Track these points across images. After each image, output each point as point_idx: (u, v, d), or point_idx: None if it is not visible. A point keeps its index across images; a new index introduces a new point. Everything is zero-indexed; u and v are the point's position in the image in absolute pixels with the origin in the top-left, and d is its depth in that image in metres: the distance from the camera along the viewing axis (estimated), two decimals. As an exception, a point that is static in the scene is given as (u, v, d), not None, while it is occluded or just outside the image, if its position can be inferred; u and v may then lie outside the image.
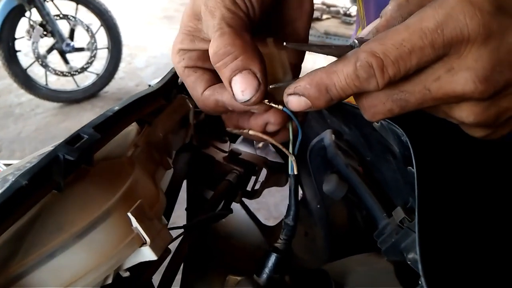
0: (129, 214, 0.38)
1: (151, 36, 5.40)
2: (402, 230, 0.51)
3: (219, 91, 0.43)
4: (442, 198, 0.39)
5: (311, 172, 0.68)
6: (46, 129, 3.58)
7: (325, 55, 0.36)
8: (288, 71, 0.43)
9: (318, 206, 0.74)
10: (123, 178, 0.42)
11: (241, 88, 0.38)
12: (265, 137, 0.43)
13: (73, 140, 0.38)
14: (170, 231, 0.57)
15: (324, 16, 5.02)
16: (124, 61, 4.27)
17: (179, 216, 0.71)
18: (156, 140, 0.52)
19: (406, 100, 0.34)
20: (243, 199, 0.73)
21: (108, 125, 0.41)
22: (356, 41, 0.35)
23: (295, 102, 0.36)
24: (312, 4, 0.49)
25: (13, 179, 0.36)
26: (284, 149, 0.42)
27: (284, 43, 0.38)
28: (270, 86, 0.40)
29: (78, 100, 3.91)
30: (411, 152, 0.40)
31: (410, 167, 0.43)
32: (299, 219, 0.77)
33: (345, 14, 5.15)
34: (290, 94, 0.36)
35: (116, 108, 0.43)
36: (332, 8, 5.13)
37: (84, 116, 3.75)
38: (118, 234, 0.39)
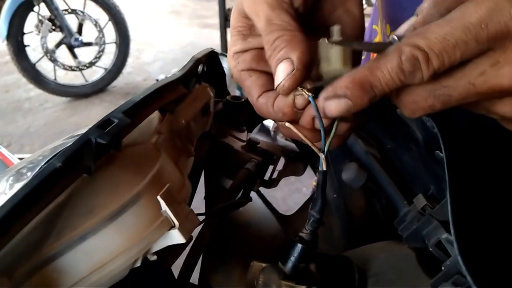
0: (158, 197, 0.39)
1: (159, 31, 5.41)
2: (423, 217, 0.51)
3: (271, 100, 0.42)
4: (472, 182, 0.39)
5: (330, 162, 0.68)
6: (54, 123, 3.60)
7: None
8: (348, 62, 0.39)
9: (335, 195, 0.74)
10: (151, 163, 0.43)
11: (278, 75, 0.39)
12: (294, 129, 0.42)
13: (104, 124, 0.38)
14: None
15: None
16: (132, 56, 4.28)
17: (193, 206, 0.72)
18: (178, 128, 0.53)
19: (449, 95, 0.33)
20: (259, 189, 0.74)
21: (136, 110, 0.42)
22: (396, 37, 0.35)
23: (334, 106, 0.35)
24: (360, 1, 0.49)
25: (45, 164, 0.36)
26: (313, 147, 0.42)
27: (326, 40, 0.38)
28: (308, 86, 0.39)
29: (86, 95, 3.93)
30: (439, 135, 0.40)
31: (438, 152, 0.43)
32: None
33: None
34: (328, 98, 0.35)
35: (144, 94, 0.44)
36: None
37: (92, 111, 3.77)
38: (148, 217, 0.39)
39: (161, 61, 4.67)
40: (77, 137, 0.38)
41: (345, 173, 0.63)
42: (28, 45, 3.61)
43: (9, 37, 3.47)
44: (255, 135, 0.74)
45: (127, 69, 4.17)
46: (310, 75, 0.39)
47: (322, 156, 0.42)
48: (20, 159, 2.77)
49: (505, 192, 0.40)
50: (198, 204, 0.71)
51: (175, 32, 5.41)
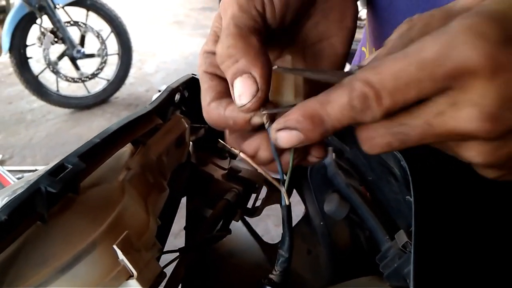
0: (114, 246, 0.37)
1: (161, 41, 5.42)
2: (405, 255, 0.49)
3: (224, 106, 0.39)
4: (440, 233, 0.37)
5: (312, 191, 0.67)
6: (57, 135, 3.60)
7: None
8: (300, 93, 0.39)
9: (321, 223, 0.72)
10: (111, 207, 0.41)
11: (239, 92, 0.36)
12: (252, 163, 0.41)
13: (57, 170, 0.37)
14: (166, 254, 0.56)
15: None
16: (134, 66, 4.29)
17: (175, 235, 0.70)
18: (149, 162, 0.51)
19: (406, 134, 0.31)
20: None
21: (94, 153, 0.40)
22: (357, 68, 0.32)
23: (285, 138, 0.33)
24: (355, 21, 0.47)
25: None
26: (271, 180, 0.40)
27: (274, 67, 0.36)
28: (266, 111, 0.37)
29: (88, 106, 3.94)
30: (410, 180, 0.38)
31: (408, 197, 0.41)
32: (303, 236, 0.76)
33: (356, 17, 5.10)
34: (280, 130, 0.33)
35: (105, 134, 0.42)
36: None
37: (94, 122, 3.78)
38: (104, 267, 0.38)
39: (163, 71, 4.68)
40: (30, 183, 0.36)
41: (327, 204, 0.61)
42: (30, 57, 3.63)
43: (11, 49, 3.49)
44: (238, 162, 0.73)
45: (129, 80, 4.18)
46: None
47: (282, 190, 0.40)
48: (21, 171, 2.78)
49: (476, 249, 0.38)
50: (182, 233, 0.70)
51: (178, 43, 5.42)
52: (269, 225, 2.50)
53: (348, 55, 0.47)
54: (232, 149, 0.43)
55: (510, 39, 0.27)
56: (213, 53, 0.42)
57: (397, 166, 0.46)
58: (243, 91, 0.36)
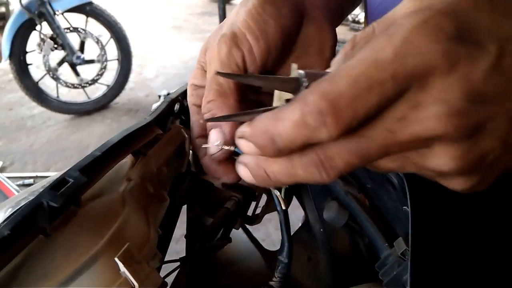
0: (116, 259, 0.38)
1: (161, 46, 5.44)
2: (404, 263, 0.50)
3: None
4: (437, 242, 0.38)
5: (311, 198, 0.67)
6: (57, 141, 3.62)
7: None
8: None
9: (321, 230, 0.72)
10: (112, 219, 0.41)
11: (212, 140, 0.44)
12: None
13: (58, 184, 0.37)
14: (167, 264, 0.56)
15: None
16: (134, 72, 4.31)
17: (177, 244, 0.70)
18: (150, 173, 0.52)
19: (366, 148, 0.28)
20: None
21: (95, 167, 0.41)
22: (303, 73, 0.30)
23: (244, 146, 0.31)
24: (333, 51, 0.48)
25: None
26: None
27: (216, 71, 0.41)
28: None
29: (89, 112, 3.96)
30: (407, 190, 0.39)
31: (405, 207, 0.41)
32: (303, 243, 0.77)
33: (354, 21, 5.13)
34: (239, 138, 0.31)
35: (106, 146, 0.43)
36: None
37: (95, 128, 3.79)
38: (106, 279, 0.38)
39: (163, 76, 4.69)
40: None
41: (326, 212, 0.62)
42: (30, 64, 3.65)
43: (11, 56, 3.51)
44: (238, 169, 0.73)
45: (129, 85, 4.19)
46: None
47: (277, 193, 0.41)
48: (22, 177, 2.77)
49: (472, 257, 0.38)
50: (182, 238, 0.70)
51: (177, 47, 5.44)
52: (270, 229, 2.50)
53: None
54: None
55: (465, 31, 0.26)
56: (200, 87, 0.48)
57: (394, 174, 0.47)
58: (214, 141, 0.44)
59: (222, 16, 3.88)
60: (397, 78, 0.26)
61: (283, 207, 0.40)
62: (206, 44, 0.48)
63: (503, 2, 0.27)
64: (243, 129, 0.31)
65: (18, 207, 0.42)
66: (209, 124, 0.43)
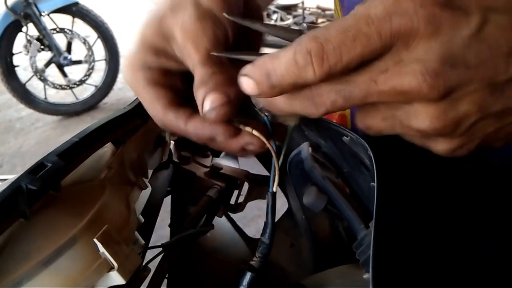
0: (95, 239, 0.39)
1: (149, 45, 5.42)
2: (379, 242, 0.51)
3: (183, 117, 0.41)
4: (401, 217, 0.40)
5: (292, 185, 0.68)
6: (46, 142, 3.60)
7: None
8: None
9: (304, 216, 0.74)
10: (92, 203, 0.43)
11: (211, 104, 0.38)
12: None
13: (36, 168, 0.38)
14: (151, 250, 0.58)
15: (320, 20, 5.03)
16: (122, 71, 4.29)
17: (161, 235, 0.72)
18: (130, 161, 0.53)
19: (350, 91, 0.31)
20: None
21: (73, 152, 0.42)
22: (305, 26, 0.34)
23: (245, 82, 0.33)
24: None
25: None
26: (273, 154, 0.41)
27: (225, 15, 0.39)
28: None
29: (77, 113, 3.94)
30: (374, 168, 0.40)
31: (373, 183, 0.43)
32: (286, 230, 0.78)
33: (341, 17, 5.13)
34: (242, 75, 0.33)
35: (84, 133, 0.44)
36: (327, 12, 5.14)
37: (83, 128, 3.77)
38: (85, 260, 0.39)
39: (152, 76, 4.68)
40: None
41: (305, 197, 0.63)
42: (17, 65, 3.62)
43: (-2, 58, 3.48)
44: (221, 160, 0.74)
45: (118, 85, 4.18)
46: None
47: (277, 172, 0.42)
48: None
49: (437, 234, 0.40)
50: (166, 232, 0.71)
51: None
52: (260, 225, 2.51)
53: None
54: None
55: (452, 0, 0.28)
56: (153, 67, 0.43)
57: (366, 156, 0.48)
58: (214, 101, 0.38)
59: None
60: (382, 34, 0.29)
61: (274, 190, 0.41)
62: (159, 24, 0.43)
63: None
64: (245, 67, 0.33)
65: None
66: (200, 93, 0.39)
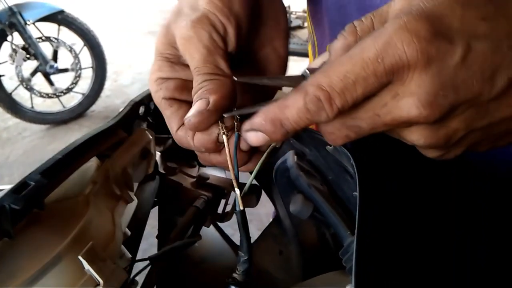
0: (79, 257, 0.39)
1: (136, 52, 5.41)
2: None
3: (190, 134, 0.43)
4: (383, 224, 0.40)
5: (278, 193, 0.69)
6: (33, 152, 3.57)
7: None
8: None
9: (291, 224, 0.74)
10: (76, 220, 0.43)
11: (191, 110, 0.40)
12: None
13: (20, 187, 0.38)
14: (138, 263, 0.58)
15: (306, 24, 5.04)
16: (109, 79, 4.27)
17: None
18: (115, 175, 0.53)
19: (359, 126, 0.35)
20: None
21: (57, 169, 0.42)
22: (308, 71, 0.36)
23: (253, 137, 0.37)
24: (286, 21, 0.51)
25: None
26: (235, 183, 0.42)
27: (235, 78, 0.40)
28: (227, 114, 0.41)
29: (65, 121, 3.91)
30: (356, 178, 0.41)
31: (355, 193, 0.43)
32: (274, 237, 0.78)
33: None
34: (248, 130, 0.38)
35: (68, 149, 0.44)
36: (314, 14, 5.14)
37: (71, 137, 3.75)
38: (70, 277, 0.39)
39: (139, 82, 4.66)
40: None
41: (292, 205, 0.64)
42: (3, 75, 3.59)
43: (-17, 68, 3.45)
44: (207, 170, 0.75)
45: (105, 92, 4.16)
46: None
47: (237, 192, 0.42)
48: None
49: (418, 241, 0.40)
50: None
51: (153, 53, 5.41)
52: (252, 230, 2.52)
53: (288, 56, 0.51)
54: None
55: (438, 33, 0.31)
56: (168, 79, 0.45)
57: (349, 164, 0.49)
58: (193, 108, 0.40)
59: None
60: (377, 74, 0.31)
61: (241, 208, 0.42)
62: (167, 35, 0.45)
63: (474, 6, 0.32)
64: (251, 122, 0.37)
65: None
66: (196, 93, 0.40)
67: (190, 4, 0.44)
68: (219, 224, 0.78)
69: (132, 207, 0.55)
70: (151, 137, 0.58)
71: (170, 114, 0.44)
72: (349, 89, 0.32)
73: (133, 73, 4.88)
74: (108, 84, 4.21)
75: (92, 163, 0.53)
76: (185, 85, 0.44)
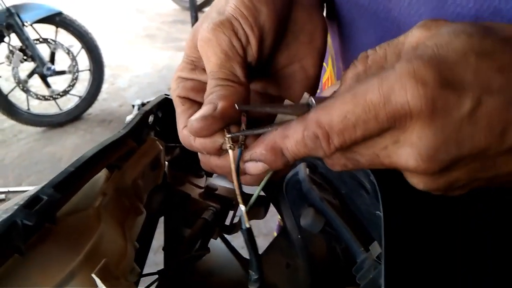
0: (93, 275, 0.37)
1: (133, 55, 5.39)
2: (379, 266, 0.51)
3: (193, 137, 0.41)
4: (410, 245, 0.39)
5: (289, 205, 0.68)
6: (29, 154, 3.53)
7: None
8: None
9: (299, 236, 0.73)
10: (88, 234, 0.41)
11: (196, 114, 0.38)
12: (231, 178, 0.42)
13: (32, 202, 0.37)
14: (146, 277, 0.56)
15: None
16: (106, 82, 4.25)
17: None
18: (125, 187, 0.51)
19: (357, 160, 0.35)
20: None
21: (69, 183, 0.40)
22: (313, 100, 0.35)
23: (253, 168, 0.37)
24: (324, 41, 0.48)
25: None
26: (239, 199, 0.41)
27: (236, 106, 0.38)
28: (229, 135, 0.39)
29: (61, 124, 3.88)
30: (379, 195, 0.40)
31: (378, 212, 0.42)
32: (281, 250, 0.77)
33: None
34: (247, 161, 0.37)
35: (79, 162, 0.42)
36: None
37: (67, 140, 3.72)
38: (83, 296, 0.38)
39: (136, 86, 4.64)
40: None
41: (303, 218, 0.62)
42: (-1, 76, 3.56)
43: (-21, 69, 3.42)
44: (214, 180, 0.73)
45: (102, 95, 4.13)
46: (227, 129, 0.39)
47: (243, 208, 0.41)
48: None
49: (443, 260, 0.39)
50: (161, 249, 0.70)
51: (150, 56, 5.40)
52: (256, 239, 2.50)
53: (319, 77, 0.48)
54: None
55: (446, 83, 0.28)
56: (187, 79, 0.45)
57: (367, 180, 0.48)
58: (198, 112, 0.38)
59: (195, 24, 3.87)
60: (378, 119, 0.30)
61: (247, 225, 0.41)
62: (193, 38, 0.44)
63: (490, 54, 0.29)
64: (250, 153, 0.37)
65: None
66: (206, 97, 0.39)
67: (218, 9, 0.43)
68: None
69: (141, 219, 0.54)
70: (161, 147, 0.57)
71: (180, 112, 0.44)
72: (348, 131, 0.31)
73: (130, 76, 4.86)
74: (105, 87, 4.18)
75: (101, 174, 0.51)
76: (203, 87, 0.43)
